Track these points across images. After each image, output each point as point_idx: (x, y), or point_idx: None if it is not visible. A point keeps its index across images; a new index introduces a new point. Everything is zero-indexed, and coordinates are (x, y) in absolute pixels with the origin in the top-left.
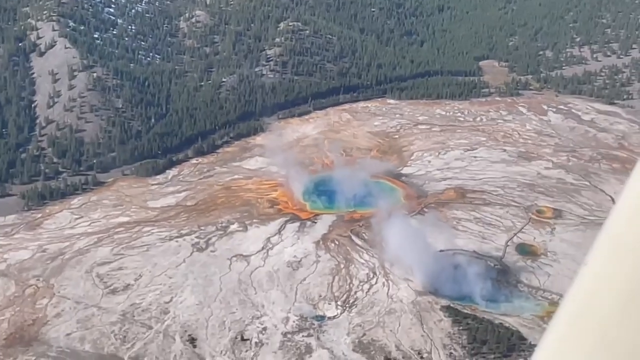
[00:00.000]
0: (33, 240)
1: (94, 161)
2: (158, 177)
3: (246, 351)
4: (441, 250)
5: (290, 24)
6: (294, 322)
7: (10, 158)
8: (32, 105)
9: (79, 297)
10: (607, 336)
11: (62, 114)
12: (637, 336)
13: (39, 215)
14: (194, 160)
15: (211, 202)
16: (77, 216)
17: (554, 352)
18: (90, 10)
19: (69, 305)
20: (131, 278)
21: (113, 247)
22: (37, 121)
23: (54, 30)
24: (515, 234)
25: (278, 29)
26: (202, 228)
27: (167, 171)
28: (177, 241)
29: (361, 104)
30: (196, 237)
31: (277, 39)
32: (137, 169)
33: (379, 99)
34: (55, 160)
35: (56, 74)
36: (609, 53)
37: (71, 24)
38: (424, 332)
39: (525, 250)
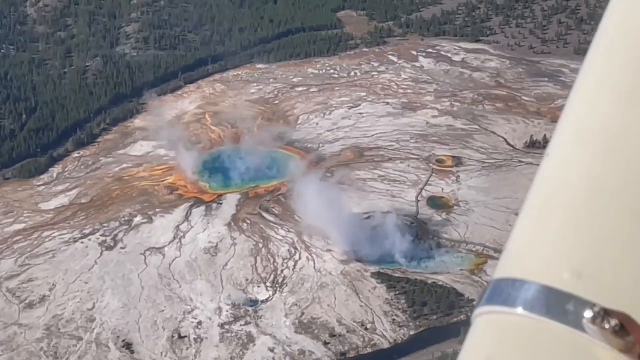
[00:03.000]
0: None
1: None
2: (42, 176)
3: (187, 349)
4: (361, 215)
5: None
6: (227, 311)
7: None
8: None
9: None
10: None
11: None
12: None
13: None
14: (75, 154)
15: (106, 197)
16: None
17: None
18: None
19: None
20: (45, 288)
21: (16, 258)
22: None
23: None
24: (422, 188)
25: (132, 2)
26: (105, 225)
27: (50, 169)
28: (82, 242)
29: (231, 72)
30: (101, 235)
31: (133, 14)
32: (18, 170)
33: (248, 65)
34: None
35: None
36: None
37: None
38: (362, 302)
39: (437, 203)
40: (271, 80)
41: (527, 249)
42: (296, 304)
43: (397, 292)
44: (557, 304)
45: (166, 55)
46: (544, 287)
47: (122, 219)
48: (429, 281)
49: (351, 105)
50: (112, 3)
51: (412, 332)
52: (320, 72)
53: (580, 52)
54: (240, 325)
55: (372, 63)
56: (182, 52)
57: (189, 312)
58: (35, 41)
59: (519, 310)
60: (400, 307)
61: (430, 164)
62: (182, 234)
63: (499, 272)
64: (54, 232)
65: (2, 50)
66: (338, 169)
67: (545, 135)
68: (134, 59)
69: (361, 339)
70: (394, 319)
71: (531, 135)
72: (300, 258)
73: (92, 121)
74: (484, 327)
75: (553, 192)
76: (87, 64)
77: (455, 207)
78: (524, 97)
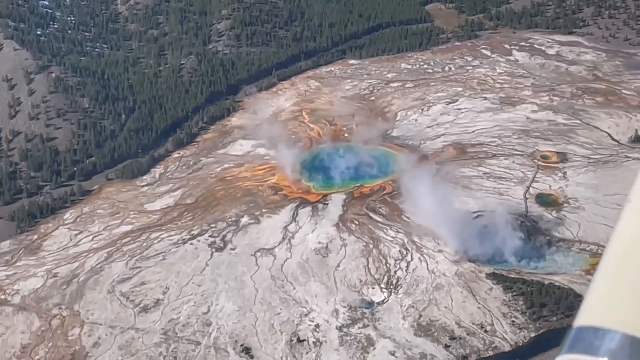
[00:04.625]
0: (39, 266)
1: (74, 170)
2: (145, 177)
3: (307, 354)
4: (471, 214)
5: None
6: (344, 314)
7: None
8: None
9: (111, 321)
10: None
11: (28, 123)
12: None
13: (35, 236)
14: (176, 154)
15: (211, 197)
16: (76, 232)
17: (604, 299)
18: (26, 6)
19: (104, 332)
20: (159, 292)
21: (127, 261)
22: (2, 135)
23: None
24: (530, 186)
25: (221, 0)
26: (213, 226)
27: (152, 170)
28: (192, 244)
29: (324, 69)
30: (210, 236)
31: (224, 12)
32: (120, 171)
33: (340, 61)
34: (32, 174)
35: (11, 79)
36: None
37: (11, 23)
38: (479, 304)
39: (546, 200)
40: (365, 76)
41: (609, 297)
42: (413, 306)
43: (515, 293)
44: None
45: (259, 53)
46: (628, 337)
47: (230, 220)
48: (546, 282)
49: (449, 101)
50: (203, 1)
51: (533, 335)
52: (414, 67)
53: None
54: (359, 328)
55: (466, 58)
56: (274, 49)
57: (306, 315)
58: (128, 39)
59: None
60: (519, 309)
61: (536, 161)
62: (291, 235)
63: (581, 320)
64: (162, 234)
65: (97, 50)
66: (442, 167)
67: None
68: (227, 56)
69: (482, 342)
70: (513, 321)
71: (636, 130)
72: (412, 259)
73: (190, 120)
74: None
75: (637, 240)
76: (182, 62)
77: (565, 205)
78: (624, 91)
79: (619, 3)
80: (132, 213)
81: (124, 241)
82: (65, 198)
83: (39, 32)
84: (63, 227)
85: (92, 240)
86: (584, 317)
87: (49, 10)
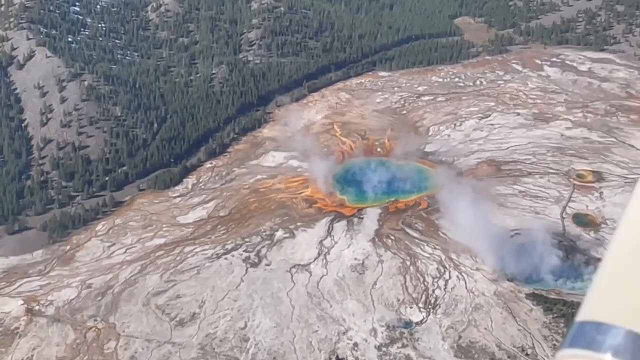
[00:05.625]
0: (73, 276)
1: (106, 179)
2: (177, 188)
3: None
4: (508, 232)
5: (263, 2)
6: (382, 332)
7: (16, 188)
8: (23, 125)
9: (147, 334)
10: None
11: (59, 130)
12: None
13: (68, 247)
14: (208, 164)
15: (245, 210)
16: (108, 243)
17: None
18: (57, 12)
19: (140, 345)
20: (194, 306)
21: (161, 274)
22: (33, 142)
23: (28, 39)
24: (566, 205)
25: (251, 9)
26: (247, 240)
27: (185, 180)
28: (226, 258)
29: (354, 80)
30: (244, 251)
31: (254, 21)
32: (152, 181)
33: (370, 73)
34: (64, 183)
35: (42, 86)
36: None
37: (42, 30)
38: (519, 325)
39: (583, 220)
40: (396, 88)
41: (613, 292)
42: (452, 327)
43: (555, 315)
44: None
45: (289, 63)
46: (631, 333)
47: (264, 233)
48: None
49: (481, 115)
50: (233, 9)
51: None
52: (445, 80)
53: None
54: (398, 347)
55: (496, 72)
56: (304, 60)
57: (344, 333)
58: (159, 47)
59: (607, 356)
60: (560, 331)
61: (571, 179)
62: (326, 250)
63: (584, 314)
64: (195, 248)
65: (128, 57)
66: (477, 184)
67: None
68: (258, 66)
69: None
70: (554, 344)
71: None
72: (450, 277)
73: (221, 130)
74: None
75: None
76: (212, 71)
77: (602, 226)
78: None
79: None
80: (164, 225)
81: (157, 254)
82: (97, 209)
83: (69, 39)
84: (95, 238)
85: (125, 252)
86: (587, 312)
87: (79, 17)
